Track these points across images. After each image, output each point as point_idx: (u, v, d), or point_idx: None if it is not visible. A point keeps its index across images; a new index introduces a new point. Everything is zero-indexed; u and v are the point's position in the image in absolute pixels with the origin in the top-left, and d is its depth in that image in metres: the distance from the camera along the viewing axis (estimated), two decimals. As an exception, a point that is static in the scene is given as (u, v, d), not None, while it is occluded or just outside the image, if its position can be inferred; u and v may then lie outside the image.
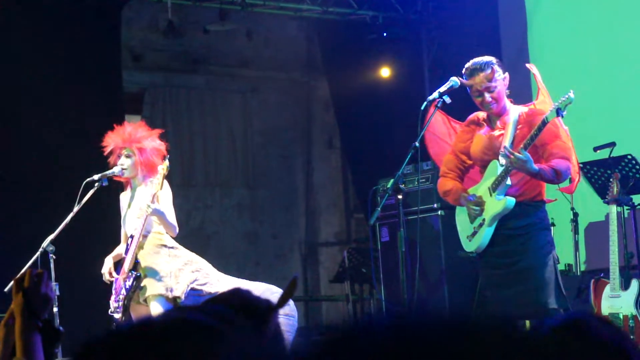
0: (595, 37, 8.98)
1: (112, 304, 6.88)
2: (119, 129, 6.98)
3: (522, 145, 5.63)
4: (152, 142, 6.91)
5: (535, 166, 5.62)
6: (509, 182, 5.79)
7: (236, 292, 1.63)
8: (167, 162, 6.74)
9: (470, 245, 6.00)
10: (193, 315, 1.42)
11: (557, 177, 5.70)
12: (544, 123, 5.64)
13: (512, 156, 5.58)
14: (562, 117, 5.62)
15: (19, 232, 8.95)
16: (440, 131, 6.27)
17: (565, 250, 8.12)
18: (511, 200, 5.79)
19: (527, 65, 6.17)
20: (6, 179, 9.28)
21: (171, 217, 6.78)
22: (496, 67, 5.83)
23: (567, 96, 5.61)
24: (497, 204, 5.82)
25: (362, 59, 11.52)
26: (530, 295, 5.74)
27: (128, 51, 11.55)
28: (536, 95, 6.06)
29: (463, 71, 5.90)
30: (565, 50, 9.12)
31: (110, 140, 6.93)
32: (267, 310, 1.60)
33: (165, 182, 6.81)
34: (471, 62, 5.88)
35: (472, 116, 6.10)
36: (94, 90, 9.88)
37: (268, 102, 12.70)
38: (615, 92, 8.44)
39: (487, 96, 5.81)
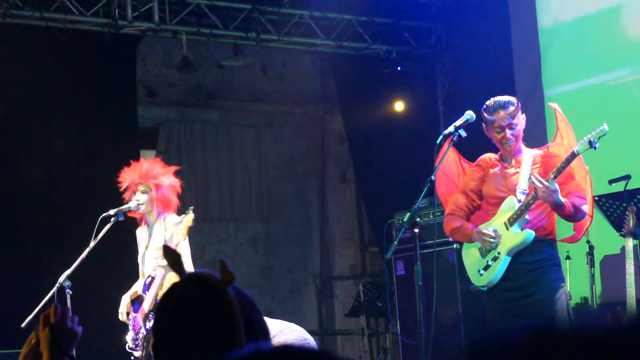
0: (609, 72, 8.98)
1: (130, 340, 6.92)
2: (135, 165, 7.02)
3: (551, 176, 5.65)
4: (168, 178, 6.96)
5: (561, 198, 5.65)
6: (527, 216, 5.80)
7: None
8: (192, 215, 6.76)
9: (481, 280, 5.98)
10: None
11: (576, 213, 5.73)
12: (573, 155, 5.67)
13: (542, 185, 5.59)
14: (595, 148, 5.65)
15: (35, 268, 8.97)
16: (451, 171, 6.28)
17: (581, 283, 8.09)
18: (530, 233, 5.80)
19: (550, 104, 6.17)
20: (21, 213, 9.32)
21: (188, 266, 6.81)
22: (518, 107, 5.90)
23: (600, 128, 5.65)
24: (515, 237, 5.82)
25: (376, 93, 11.55)
26: None
27: (143, 86, 11.62)
28: (553, 137, 6.06)
29: (484, 107, 5.92)
30: (579, 83, 9.13)
31: (127, 176, 6.97)
32: None
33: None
34: (493, 99, 5.93)
35: (482, 157, 6.12)
36: (110, 125, 9.94)
37: (282, 136, 12.74)
38: (631, 125, 8.44)
39: (509, 133, 5.86)
